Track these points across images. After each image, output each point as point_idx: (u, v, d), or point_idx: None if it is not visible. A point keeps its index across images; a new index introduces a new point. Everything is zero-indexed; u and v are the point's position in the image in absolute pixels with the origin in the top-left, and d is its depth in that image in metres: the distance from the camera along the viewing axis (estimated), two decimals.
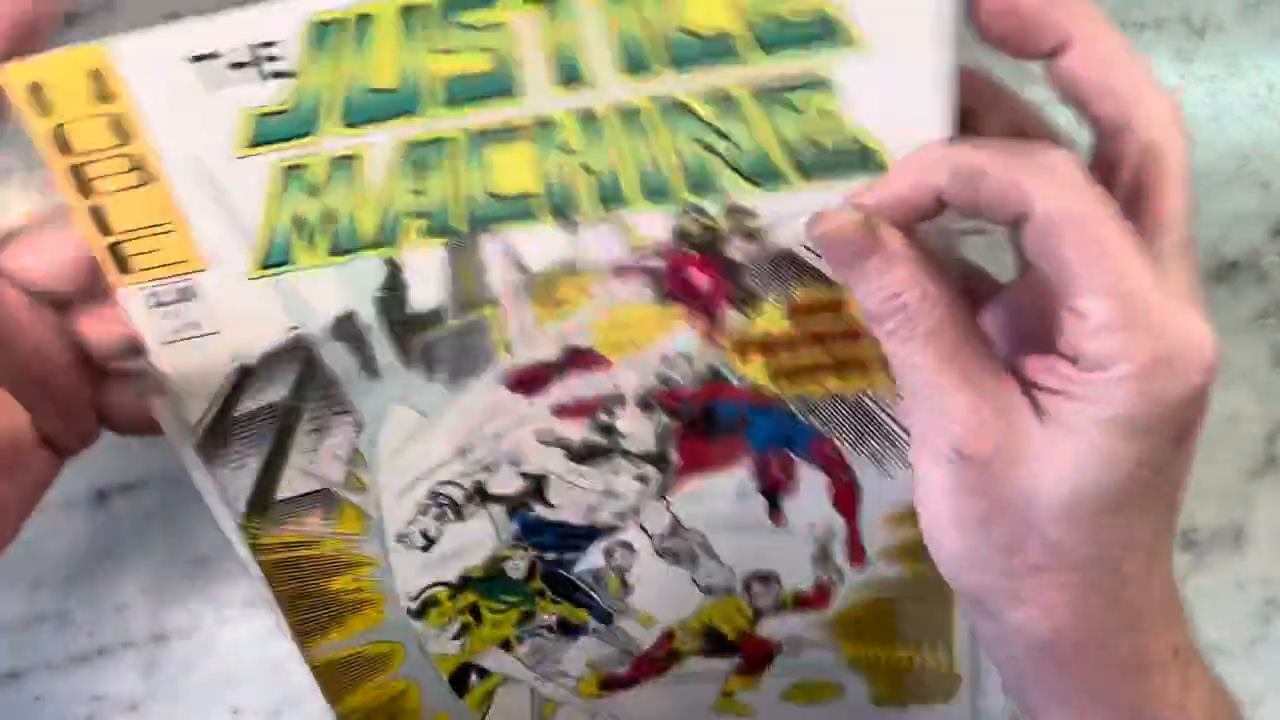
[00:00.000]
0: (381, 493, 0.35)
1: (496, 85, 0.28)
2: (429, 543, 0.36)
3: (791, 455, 0.34)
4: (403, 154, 0.29)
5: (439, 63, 0.28)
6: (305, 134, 0.28)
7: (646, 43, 0.27)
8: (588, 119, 0.28)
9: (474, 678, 0.40)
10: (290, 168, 0.29)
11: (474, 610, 0.38)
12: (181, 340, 0.31)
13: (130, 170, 0.29)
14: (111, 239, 0.30)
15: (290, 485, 0.35)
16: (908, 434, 0.33)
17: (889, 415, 0.33)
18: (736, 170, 0.29)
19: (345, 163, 0.29)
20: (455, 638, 0.39)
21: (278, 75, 0.28)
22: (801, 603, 0.38)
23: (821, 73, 0.27)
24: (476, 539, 0.36)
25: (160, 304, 0.31)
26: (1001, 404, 0.26)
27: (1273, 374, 0.48)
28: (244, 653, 0.45)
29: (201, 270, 0.30)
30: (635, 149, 0.29)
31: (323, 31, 0.27)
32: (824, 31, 0.27)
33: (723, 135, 0.28)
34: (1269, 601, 0.46)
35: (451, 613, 0.38)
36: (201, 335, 0.32)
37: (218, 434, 0.33)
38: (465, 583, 0.37)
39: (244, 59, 0.27)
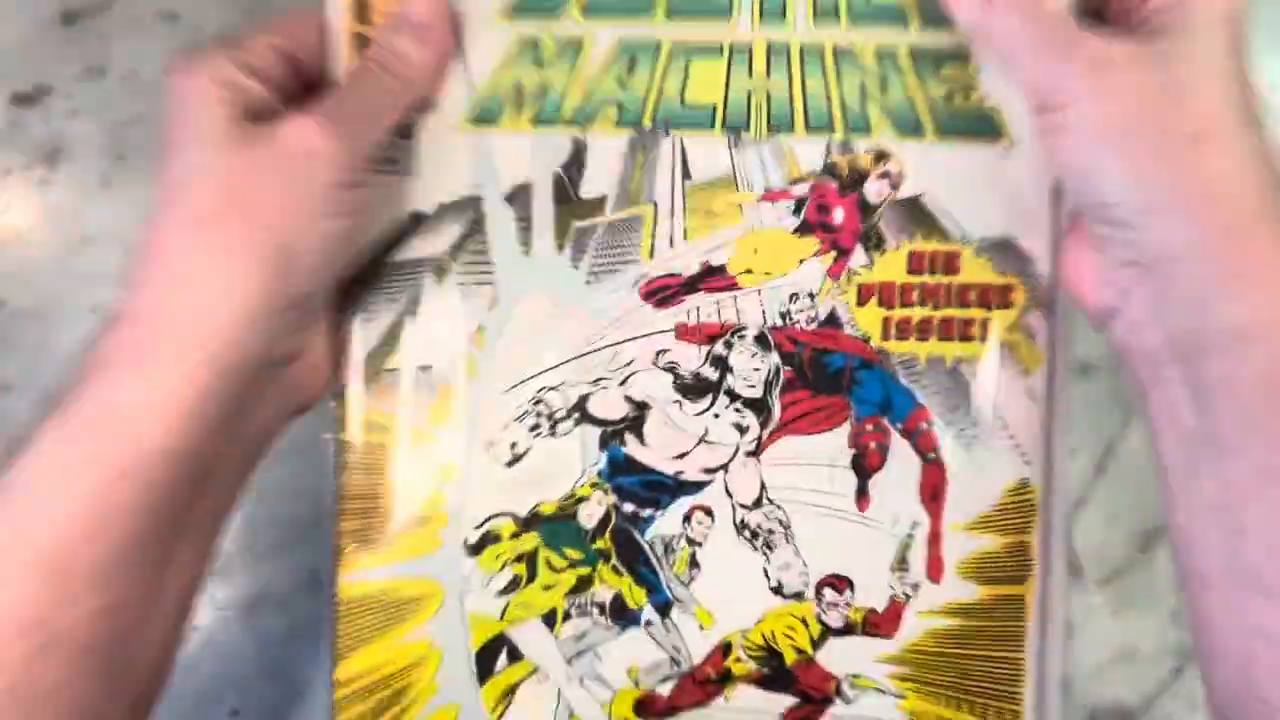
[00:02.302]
0: (486, 385, 0.35)
1: (711, 6, 0.35)
2: (514, 458, 0.36)
3: (889, 425, 0.36)
4: (621, 48, 0.35)
5: None
6: (549, 13, 0.35)
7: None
8: (778, 51, 0.35)
9: (502, 660, 0.36)
10: (528, 40, 0.35)
11: (531, 561, 0.36)
12: (379, 173, 0.35)
13: None
14: None
15: (406, 355, 0.35)
16: (994, 412, 0.35)
17: (978, 388, 0.35)
18: (886, 114, 0.35)
19: (573, 45, 0.35)
20: (501, 593, 0.36)
21: None
22: (870, 626, 0.36)
23: (968, 49, 0.35)
24: (561, 465, 0.36)
25: None
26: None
27: None
28: (244, 653, 0.43)
29: (420, 111, 0.35)
30: (809, 83, 0.35)
31: None
32: None
33: (882, 85, 0.35)
34: None
35: (508, 557, 0.36)
36: (396, 172, 0.35)
37: (366, 278, 0.35)
38: (533, 520, 0.36)
39: None
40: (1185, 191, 0.29)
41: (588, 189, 0.36)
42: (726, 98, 0.35)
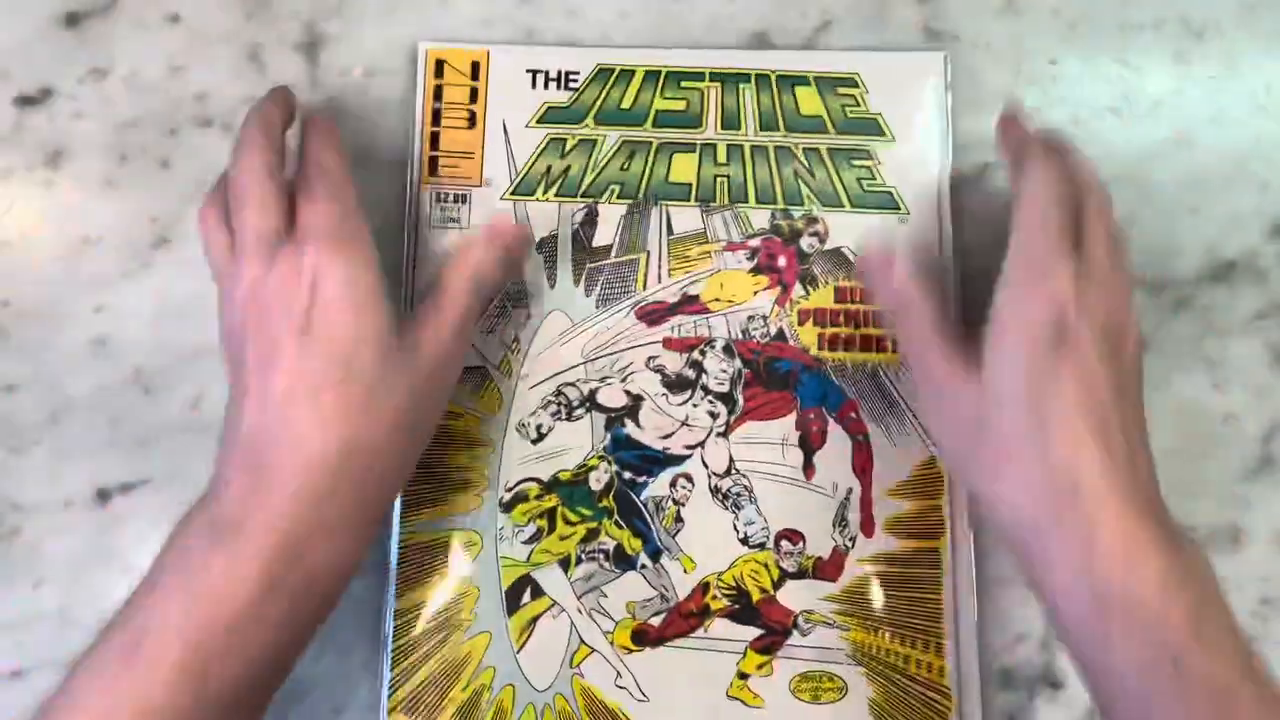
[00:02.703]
0: (520, 381, 0.46)
1: (687, 120, 0.49)
2: (540, 436, 0.46)
3: (826, 414, 0.46)
4: (623, 145, 0.48)
5: (660, 101, 0.49)
6: (572, 122, 0.49)
7: (776, 114, 0.49)
8: (735, 148, 0.49)
9: (527, 596, 0.45)
10: (554, 138, 0.48)
11: (551, 516, 0.45)
12: (442, 228, 0.47)
13: (466, 118, 0.48)
14: (433, 154, 0.48)
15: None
16: (906, 403, 0.46)
17: (894, 386, 0.47)
18: (814, 193, 0.48)
19: (589, 142, 0.48)
20: (527, 542, 0.45)
21: (569, 88, 0.49)
22: (819, 571, 0.45)
23: (870, 148, 0.49)
24: (576, 441, 0.46)
25: (440, 199, 0.48)
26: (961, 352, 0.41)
27: (1270, 374, 0.49)
28: None
29: (477, 185, 0.48)
30: (758, 170, 0.48)
31: (602, 73, 0.49)
32: (872, 128, 0.49)
33: (810, 172, 0.48)
34: (1266, 601, 0.47)
35: (534, 513, 0.45)
36: (458, 229, 0.47)
37: None
38: (553, 484, 0.46)
39: (555, 76, 0.49)
40: (989, 503, 0.39)
41: (598, 240, 0.48)
42: (698, 179, 0.49)
